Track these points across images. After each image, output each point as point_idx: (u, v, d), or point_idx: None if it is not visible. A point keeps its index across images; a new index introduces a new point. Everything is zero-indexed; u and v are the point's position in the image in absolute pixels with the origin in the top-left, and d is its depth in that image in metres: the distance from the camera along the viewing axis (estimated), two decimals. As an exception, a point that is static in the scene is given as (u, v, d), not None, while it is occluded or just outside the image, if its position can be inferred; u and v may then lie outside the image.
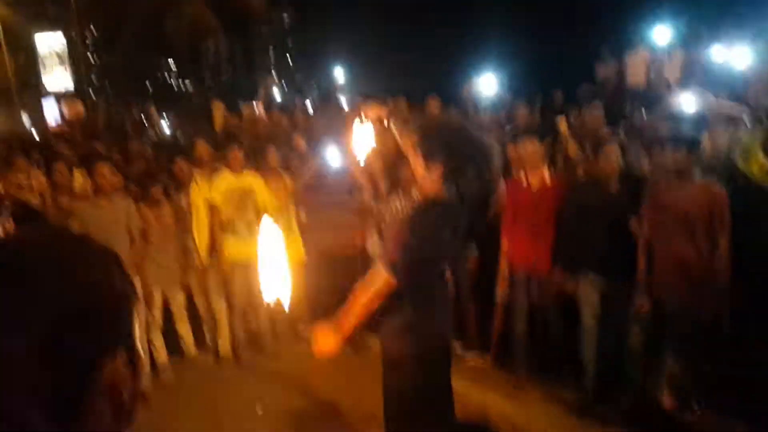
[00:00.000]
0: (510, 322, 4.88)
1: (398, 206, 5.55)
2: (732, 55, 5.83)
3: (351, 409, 4.67)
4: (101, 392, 0.78)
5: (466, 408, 4.34)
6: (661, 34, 7.29)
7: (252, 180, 5.63)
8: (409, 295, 2.68)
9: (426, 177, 2.72)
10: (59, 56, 21.48)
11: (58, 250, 0.82)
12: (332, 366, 5.44)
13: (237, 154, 5.57)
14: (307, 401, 4.87)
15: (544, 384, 4.81)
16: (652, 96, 5.88)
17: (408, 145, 2.90)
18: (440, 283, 2.88)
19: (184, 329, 5.69)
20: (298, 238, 5.81)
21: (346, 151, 5.98)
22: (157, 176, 5.60)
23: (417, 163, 2.77)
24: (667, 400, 4.22)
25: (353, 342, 5.76)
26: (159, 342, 5.46)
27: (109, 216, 5.02)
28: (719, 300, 3.84)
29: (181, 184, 5.60)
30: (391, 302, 2.67)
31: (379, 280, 2.62)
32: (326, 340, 2.67)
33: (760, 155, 3.65)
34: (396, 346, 2.81)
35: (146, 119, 9.82)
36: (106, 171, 5.04)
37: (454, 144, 2.71)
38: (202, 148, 5.98)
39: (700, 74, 6.16)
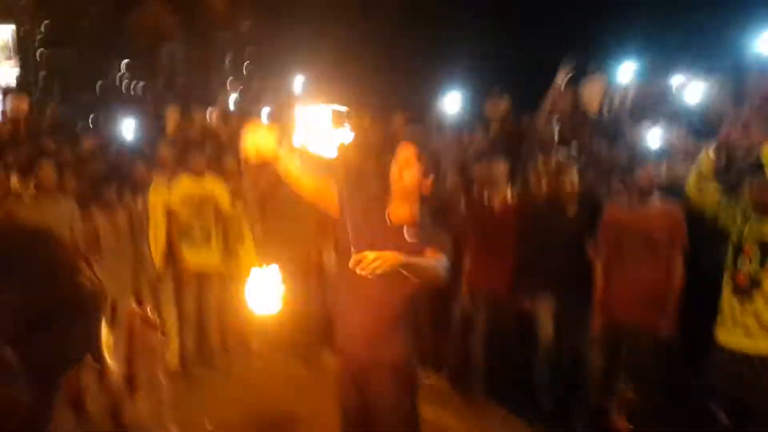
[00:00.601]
0: (467, 341, 4.88)
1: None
2: (690, 88, 6.01)
3: (304, 425, 4.58)
4: (64, 403, 0.74)
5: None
6: (625, 70, 7.52)
7: (213, 185, 5.53)
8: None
9: (417, 189, 2.83)
10: (7, 49, 20.72)
11: (27, 242, 0.76)
12: (285, 382, 5.39)
13: (199, 158, 5.46)
14: (260, 417, 4.77)
15: (500, 405, 4.83)
16: (611, 126, 6.01)
17: (409, 156, 2.86)
18: None
19: None
20: (251, 248, 5.72)
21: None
22: (112, 178, 5.41)
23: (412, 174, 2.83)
24: (620, 423, 4.27)
25: (306, 358, 5.70)
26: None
27: (51, 218, 4.83)
28: (670, 319, 3.92)
29: (138, 188, 5.42)
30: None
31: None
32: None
33: (712, 185, 3.75)
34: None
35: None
36: (49, 170, 4.84)
37: None
38: (165, 150, 5.85)
39: (658, 106, 6.34)
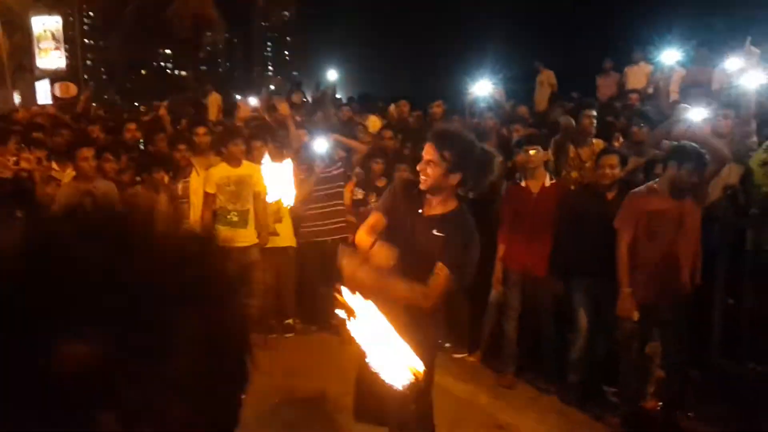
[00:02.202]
0: (502, 322, 4.89)
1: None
2: (738, 74, 5.85)
3: (340, 398, 4.63)
4: None
5: (452, 403, 4.35)
6: (670, 56, 7.37)
7: (250, 170, 5.60)
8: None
9: (440, 182, 2.87)
10: (54, 37, 21.27)
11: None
12: (319, 358, 5.45)
13: (239, 147, 5.55)
14: (293, 391, 4.83)
15: (532, 384, 4.83)
16: (653, 111, 5.89)
17: (430, 152, 2.89)
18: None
19: None
20: (289, 225, 5.81)
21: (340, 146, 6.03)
22: (154, 162, 5.52)
23: (435, 170, 2.86)
24: (652, 404, 4.25)
25: (339, 332, 5.77)
26: None
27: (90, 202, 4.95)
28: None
29: (179, 172, 5.53)
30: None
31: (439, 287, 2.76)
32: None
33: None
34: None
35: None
36: (89, 154, 4.94)
37: (473, 156, 2.90)
38: (203, 135, 5.94)
39: (704, 92, 6.21)
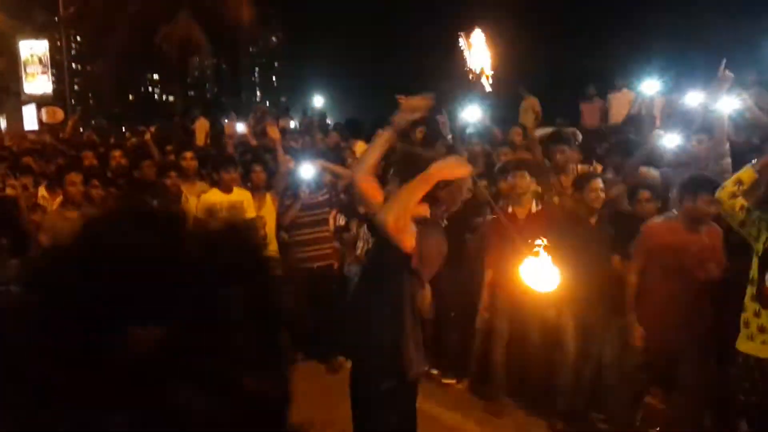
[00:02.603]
0: (489, 348, 4.88)
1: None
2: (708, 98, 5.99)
3: (324, 427, 4.58)
4: None
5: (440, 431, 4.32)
6: (649, 85, 7.54)
7: (240, 196, 5.61)
8: None
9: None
10: (41, 62, 21.28)
11: None
12: (305, 386, 5.40)
13: (232, 176, 5.56)
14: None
15: (520, 411, 4.81)
16: (634, 140, 5.99)
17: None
18: None
19: None
20: (275, 252, 5.79)
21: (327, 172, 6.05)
22: (144, 189, 5.51)
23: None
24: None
25: (327, 362, 5.74)
26: None
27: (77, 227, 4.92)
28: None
29: (170, 198, 5.52)
30: None
31: None
32: None
33: (740, 199, 3.71)
34: None
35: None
36: (77, 180, 4.93)
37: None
38: (190, 159, 5.95)
39: (679, 117, 6.33)
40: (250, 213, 5.62)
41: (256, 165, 5.90)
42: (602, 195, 4.48)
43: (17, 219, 4.89)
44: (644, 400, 4.38)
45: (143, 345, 0.53)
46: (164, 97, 24.52)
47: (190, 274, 0.57)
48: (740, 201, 3.52)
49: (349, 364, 5.69)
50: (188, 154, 6.53)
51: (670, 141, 5.08)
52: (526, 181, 4.77)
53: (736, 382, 3.49)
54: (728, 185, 3.58)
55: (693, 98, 6.74)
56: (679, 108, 6.50)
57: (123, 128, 17.31)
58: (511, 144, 6.51)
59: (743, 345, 3.44)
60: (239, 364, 0.58)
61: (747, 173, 3.56)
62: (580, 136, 6.35)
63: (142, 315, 0.54)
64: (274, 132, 6.21)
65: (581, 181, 4.66)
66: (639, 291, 4.11)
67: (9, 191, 5.05)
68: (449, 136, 7.01)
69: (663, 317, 3.98)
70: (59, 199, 5.26)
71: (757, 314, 3.39)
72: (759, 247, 3.46)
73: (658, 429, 4.33)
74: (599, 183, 4.49)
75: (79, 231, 0.61)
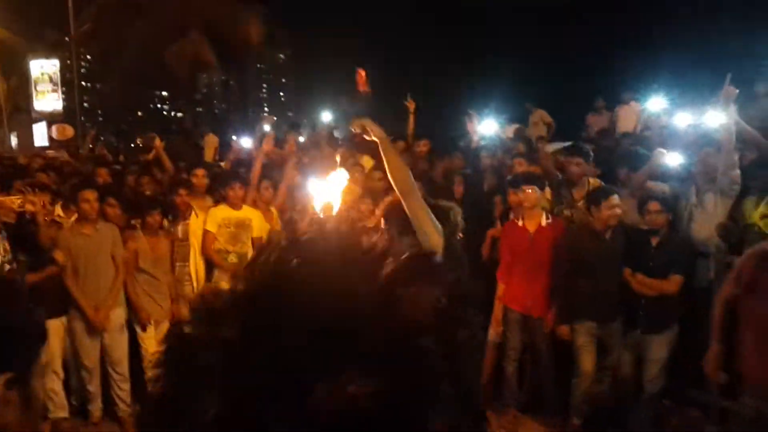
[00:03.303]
0: (501, 361, 4.90)
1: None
2: (705, 118, 6.02)
3: None
4: None
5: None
6: (655, 102, 7.59)
7: (250, 213, 5.66)
8: None
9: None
10: (52, 80, 21.51)
11: None
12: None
13: (239, 191, 5.59)
14: None
15: (534, 425, 4.81)
16: (643, 153, 6.02)
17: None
18: None
19: None
20: None
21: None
22: (154, 205, 5.56)
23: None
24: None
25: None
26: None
27: (94, 244, 4.96)
28: None
29: (179, 214, 5.59)
30: None
31: None
32: None
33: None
34: None
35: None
36: (91, 197, 4.97)
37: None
38: (202, 177, 6.02)
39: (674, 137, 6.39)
40: (259, 231, 5.67)
41: (264, 181, 5.96)
42: (619, 211, 4.50)
43: (35, 235, 4.94)
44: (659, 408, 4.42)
45: (358, 397, 0.51)
46: (173, 114, 24.74)
47: (395, 324, 0.55)
48: None
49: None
50: (200, 172, 6.58)
51: (672, 160, 5.12)
52: (536, 195, 4.81)
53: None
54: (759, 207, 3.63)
55: (682, 119, 6.83)
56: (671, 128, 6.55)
57: (132, 144, 17.51)
58: (524, 155, 6.55)
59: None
60: (450, 413, 0.55)
61: None
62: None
63: (353, 366, 0.52)
64: (291, 145, 6.24)
65: (597, 196, 4.67)
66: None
67: (28, 207, 5.12)
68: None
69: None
70: (74, 217, 5.33)
71: None
72: None
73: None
74: (616, 199, 4.50)
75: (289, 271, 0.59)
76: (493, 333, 4.99)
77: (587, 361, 4.48)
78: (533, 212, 4.82)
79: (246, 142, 9.35)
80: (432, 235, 2.74)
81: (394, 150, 2.96)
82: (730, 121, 4.65)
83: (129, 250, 5.18)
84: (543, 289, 4.73)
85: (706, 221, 4.83)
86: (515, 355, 4.86)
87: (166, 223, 5.45)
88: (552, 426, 4.76)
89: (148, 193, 6.31)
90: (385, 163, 2.91)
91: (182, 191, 5.65)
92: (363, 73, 8.27)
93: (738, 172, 4.79)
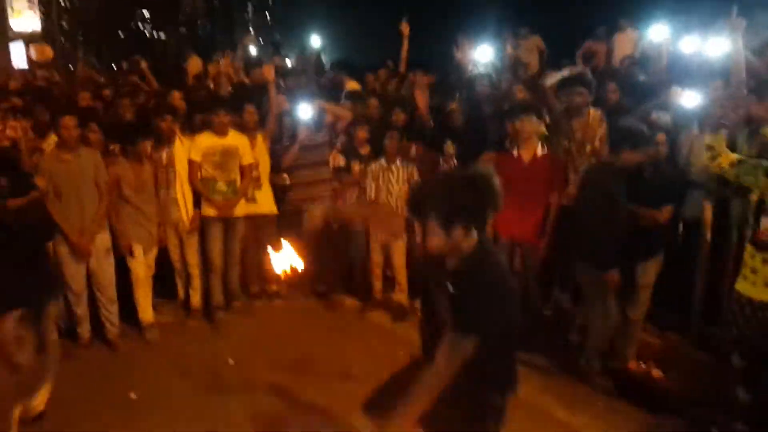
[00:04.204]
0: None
1: (380, 171, 5.63)
2: (706, 45, 5.83)
3: (325, 364, 4.69)
4: None
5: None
6: (657, 30, 7.35)
7: (236, 139, 5.52)
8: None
9: (446, 244, 2.23)
10: (29, -1, 20.62)
11: None
12: (306, 323, 5.49)
13: (223, 119, 5.43)
14: (281, 356, 4.87)
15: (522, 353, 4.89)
16: (645, 81, 5.88)
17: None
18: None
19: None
20: (269, 192, 5.76)
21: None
22: (141, 130, 5.40)
23: (435, 240, 2.23)
24: (634, 364, 4.48)
25: (326, 299, 5.81)
26: (145, 301, 5.34)
27: (75, 170, 4.86)
28: None
29: (164, 140, 5.44)
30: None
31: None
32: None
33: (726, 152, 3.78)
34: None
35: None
36: (70, 124, 4.82)
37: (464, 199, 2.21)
38: (179, 100, 5.84)
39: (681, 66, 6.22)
40: (247, 158, 5.55)
41: (248, 106, 5.79)
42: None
43: (16, 160, 4.84)
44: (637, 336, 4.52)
45: None
46: (155, 35, 23.93)
47: None
48: (727, 158, 3.61)
49: (348, 302, 5.84)
50: (176, 94, 6.38)
51: (689, 100, 4.91)
52: (533, 124, 4.74)
53: (732, 316, 3.63)
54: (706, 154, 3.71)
55: (689, 44, 6.59)
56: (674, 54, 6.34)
57: (114, 66, 16.96)
58: (524, 81, 6.40)
59: (739, 284, 3.59)
60: None
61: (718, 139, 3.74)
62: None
63: None
64: (269, 72, 6.08)
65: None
66: None
67: (9, 132, 4.99)
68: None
69: None
70: (50, 139, 5.19)
71: (752, 257, 3.53)
72: (756, 193, 3.56)
73: (643, 363, 4.48)
74: (662, 136, 4.44)
75: None
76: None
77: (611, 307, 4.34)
78: (529, 142, 4.77)
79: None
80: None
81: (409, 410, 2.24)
82: (739, 54, 4.52)
83: (111, 176, 5.08)
84: (535, 218, 4.76)
85: (701, 153, 4.79)
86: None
87: (148, 148, 5.32)
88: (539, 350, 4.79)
89: (128, 117, 6.14)
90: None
91: (168, 116, 5.48)
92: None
93: (746, 109, 4.71)
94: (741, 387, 3.63)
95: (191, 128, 5.72)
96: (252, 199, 5.70)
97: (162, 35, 23.17)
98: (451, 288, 2.26)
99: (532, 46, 9.69)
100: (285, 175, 5.81)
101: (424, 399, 2.20)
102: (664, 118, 4.92)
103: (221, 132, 5.46)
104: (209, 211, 5.48)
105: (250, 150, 5.58)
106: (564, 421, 3.92)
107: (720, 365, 4.05)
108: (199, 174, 5.46)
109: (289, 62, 11.22)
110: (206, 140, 5.46)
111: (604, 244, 4.07)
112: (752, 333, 3.52)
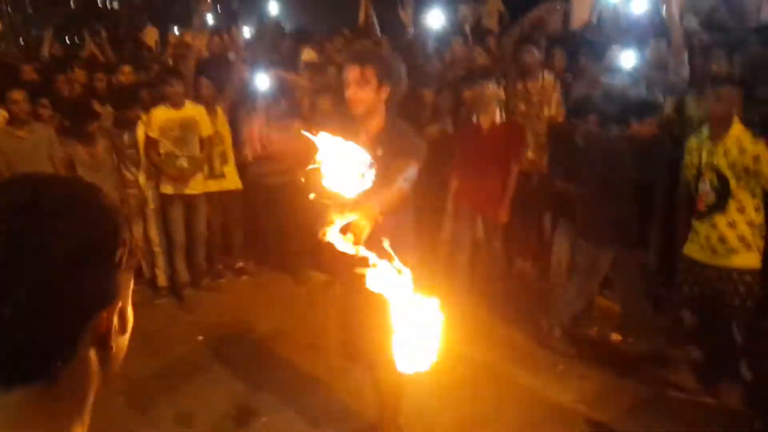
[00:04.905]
0: (455, 256, 5.01)
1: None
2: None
3: (294, 337, 4.73)
4: (93, 341, 0.77)
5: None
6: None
7: (193, 110, 5.42)
8: None
9: (374, 101, 2.91)
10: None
11: (68, 189, 0.77)
12: (273, 298, 5.51)
13: (177, 89, 5.29)
14: (248, 331, 4.89)
15: (484, 315, 4.96)
16: (597, 44, 5.92)
17: (356, 73, 2.89)
18: None
19: None
20: (233, 168, 5.72)
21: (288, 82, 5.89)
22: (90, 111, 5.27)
23: (365, 89, 2.88)
24: (594, 330, 4.59)
25: (293, 273, 5.83)
26: None
27: (29, 146, 4.76)
28: None
29: (127, 123, 5.34)
30: None
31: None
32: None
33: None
34: None
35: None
36: (19, 98, 4.72)
37: (394, 66, 3.03)
38: (129, 74, 5.73)
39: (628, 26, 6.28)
40: (206, 129, 5.46)
41: (202, 78, 5.67)
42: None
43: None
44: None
45: None
46: (108, 4, 23.18)
47: None
48: None
49: (316, 276, 5.86)
50: (125, 68, 6.21)
51: (626, 59, 5.04)
52: (492, 90, 4.75)
53: (682, 276, 3.79)
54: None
55: (637, 5, 6.66)
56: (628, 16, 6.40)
57: (66, 39, 16.41)
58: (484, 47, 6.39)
59: (686, 246, 3.76)
60: None
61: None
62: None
63: None
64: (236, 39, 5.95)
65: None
66: None
67: None
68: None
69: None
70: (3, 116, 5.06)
71: (695, 221, 3.71)
72: (695, 161, 3.72)
73: (597, 329, 4.62)
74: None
75: None
76: (446, 228, 5.08)
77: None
78: (488, 108, 4.78)
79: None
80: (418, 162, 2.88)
81: (372, 210, 2.50)
82: (676, 15, 4.60)
83: (65, 156, 4.99)
84: (496, 186, 4.78)
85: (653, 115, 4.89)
86: (467, 249, 4.96)
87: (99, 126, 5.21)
88: (501, 317, 4.92)
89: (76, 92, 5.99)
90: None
91: (135, 105, 5.37)
92: None
93: (687, 70, 4.80)
94: (692, 344, 3.79)
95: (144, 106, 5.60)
96: (221, 175, 5.65)
97: (115, 5, 22.45)
98: (379, 152, 2.67)
99: (493, 9, 9.63)
100: (246, 151, 5.75)
101: (385, 206, 2.60)
102: (613, 79, 4.99)
103: (177, 103, 5.32)
104: (168, 188, 5.42)
105: (208, 120, 5.48)
106: (526, 386, 4.02)
107: (674, 326, 4.21)
108: (158, 151, 5.38)
109: (247, 31, 10.97)
110: (162, 114, 5.34)
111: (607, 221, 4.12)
112: (699, 292, 3.68)
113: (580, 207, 4.31)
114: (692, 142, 3.73)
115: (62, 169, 4.90)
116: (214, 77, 5.77)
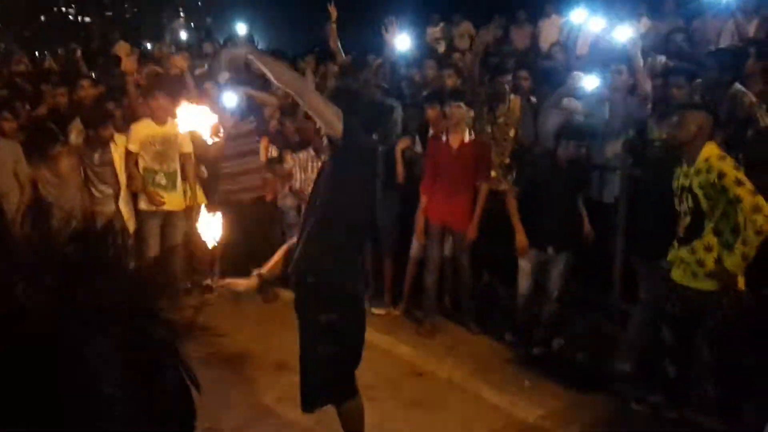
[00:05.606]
0: (422, 274, 5.07)
1: (309, 160, 5.59)
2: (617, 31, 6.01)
3: (261, 357, 4.69)
4: None
5: (374, 355, 4.49)
6: (578, 14, 7.54)
7: (176, 128, 5.37)
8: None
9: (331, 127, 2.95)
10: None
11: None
12: (241, 316, 5.46)
13: (161, 102, 5.24)
14: (216, 350, 4.82)
15: (452, 332, 5.03)
16: (561, 70, 6.06)
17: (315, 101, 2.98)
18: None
19: None
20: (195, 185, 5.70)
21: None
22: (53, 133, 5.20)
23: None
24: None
25: (263, 292, 5.78)
26: None
27: None
28: None
29: (99, 143, 5.29)
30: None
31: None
32: None
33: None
34: None
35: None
36: None
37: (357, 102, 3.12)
38: (88, 88, 5.68)
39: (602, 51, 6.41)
40: (187, 147, 5.44)
41: (158, 93, 5.56)
42: None
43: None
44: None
45: None
46: (79, 18, 22.93)
47: None
48: None
49: (284, 294, 5.83)
50: (85, 83, 6.12)
51: (589, 83, 5.16)
52: (462, 111, 4.84)
53: (666, 297, 3.83)
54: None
55: (595, 25, 6.81)
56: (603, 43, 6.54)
57: (36, 53, 16.18)
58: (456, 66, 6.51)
59: (672, 271, 3.75)
60: None
61: None
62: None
63: None
64: (180, 62, 5.95)
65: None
66: None
67: None
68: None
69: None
70: None
71: (677, 246, 3.72)
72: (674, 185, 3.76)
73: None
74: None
75: None
76: (415, 246, 5.12)
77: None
78: (458, 128, 4.86)
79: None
80: (334, 123, 2.88)
81: (265, 57, 2.97)
82: (638, 39, 4.74)
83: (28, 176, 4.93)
84: (464, 203, 4.87)
85: (616, 137, 5.03)
86: (435, 268, 5.01)
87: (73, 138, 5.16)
88: (469, 334, 4.98)
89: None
90: (266, 73, 2.92)
91: (107, 125, 5.33)
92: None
93: (648, 91, 4.94)
94: (668, 360, 3.80)
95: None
96: (188, 191, 5.63)
97: (87, 19, 22.26)
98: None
99: (464, 32, 9.79)
100: (203, 168, 5.72)
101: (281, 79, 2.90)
102: (573, 104, 5.12)
103: (161, 119, 5.28)
104: (144, 205, 5.37)
105: (188, 138, 5.46)
106: (493, 402, 4.06)
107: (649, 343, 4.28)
108: (137, 165, 5.33)
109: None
110: (145, 128, 5.31)
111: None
112: (679, 311, 3.71)
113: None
114: (678, 169, 3.77)
115: (27, 184, 4.83)
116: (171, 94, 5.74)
